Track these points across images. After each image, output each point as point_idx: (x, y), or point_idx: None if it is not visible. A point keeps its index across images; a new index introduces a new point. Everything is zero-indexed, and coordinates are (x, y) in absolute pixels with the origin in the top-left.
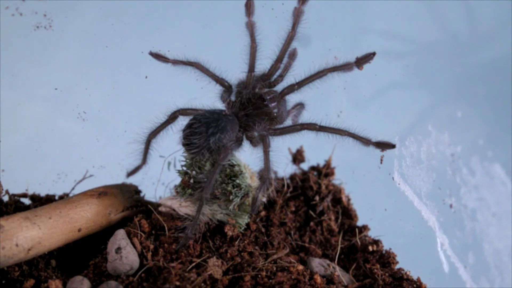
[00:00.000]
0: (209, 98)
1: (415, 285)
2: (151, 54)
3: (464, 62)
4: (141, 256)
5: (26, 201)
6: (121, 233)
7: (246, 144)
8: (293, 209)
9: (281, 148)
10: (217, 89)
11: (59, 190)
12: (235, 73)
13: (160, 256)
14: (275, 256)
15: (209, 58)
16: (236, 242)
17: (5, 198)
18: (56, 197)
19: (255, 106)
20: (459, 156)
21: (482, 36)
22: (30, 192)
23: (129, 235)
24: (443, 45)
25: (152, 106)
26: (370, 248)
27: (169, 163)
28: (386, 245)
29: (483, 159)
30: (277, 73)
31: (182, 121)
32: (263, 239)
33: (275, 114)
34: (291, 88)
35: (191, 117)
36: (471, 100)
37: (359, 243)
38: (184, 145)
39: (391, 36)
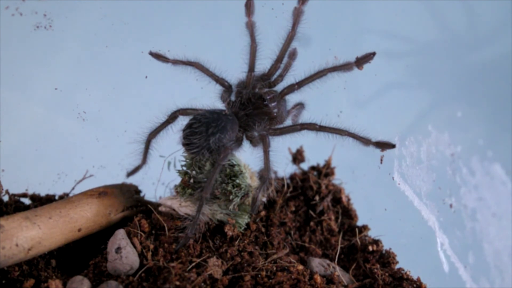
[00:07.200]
0: (209, 98)
1: (415, 285)
2: (151, 54)
3: (464, 62)
4: (141, 256)
5: (26, 201)
6: (121, 233)
7: (246, 144)
8: (293, 209)
9: (281, 148)
10: (217, 89)
11: (59, 190)
12: (235, 73)
13: (160, 256)
14: (275, 256)
15: (209, 58)
16: (236, 242)
17: (5, 198)
18: (56, 197)
19: (255, 106)
20: (459, 156)
21: (482, 36)
22: (30, 192)
23: (129, 235)
24: (443, 45)
25: (152, 106)
26: (370, 248)
27: (169, 163)
28: (386, 245)
29: (483, 159)
30: (277, 73)
31: (182, 121)
32: (263, 239)
33: (275, 114)
34: (291, 88)
35: (191, 117)
36: (471, 100)
37: (359, 243)
38: (184, 145)
39: (391, 36)
